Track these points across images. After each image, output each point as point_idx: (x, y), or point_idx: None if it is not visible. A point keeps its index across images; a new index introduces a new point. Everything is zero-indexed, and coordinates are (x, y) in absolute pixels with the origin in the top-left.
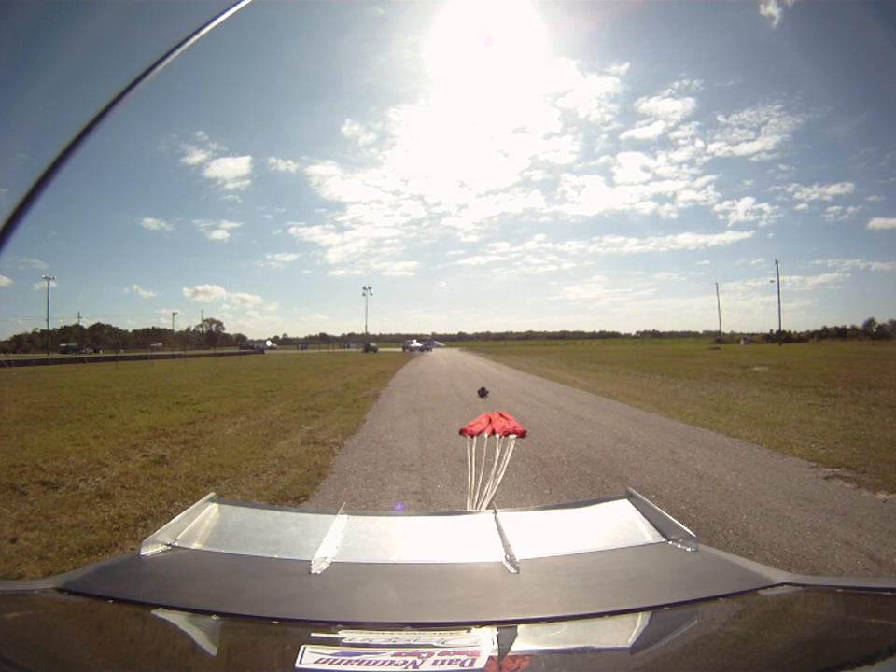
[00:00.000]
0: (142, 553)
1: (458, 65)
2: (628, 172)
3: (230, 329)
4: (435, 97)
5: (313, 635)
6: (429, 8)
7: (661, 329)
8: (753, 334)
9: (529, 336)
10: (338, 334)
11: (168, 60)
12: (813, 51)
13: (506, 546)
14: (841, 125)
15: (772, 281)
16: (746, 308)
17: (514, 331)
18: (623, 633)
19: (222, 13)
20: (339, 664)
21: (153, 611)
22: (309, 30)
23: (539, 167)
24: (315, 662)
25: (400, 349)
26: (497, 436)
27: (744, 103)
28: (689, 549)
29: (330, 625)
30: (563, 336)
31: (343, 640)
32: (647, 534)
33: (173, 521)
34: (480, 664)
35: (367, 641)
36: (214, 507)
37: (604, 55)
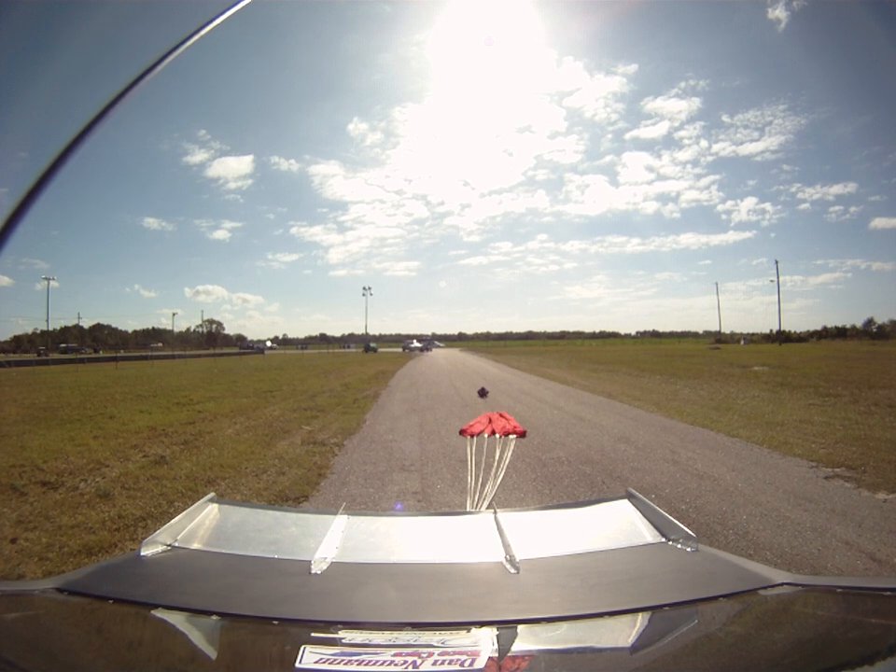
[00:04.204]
0: (142, 553)
1: (464, 64)
2: (632, 171)
3: (231, 330)
4: (440, 96)
5: (313, 635)
6: (436, 7)
7: (661, 329)
8: (753, 334)
9: (529, 336)
10: (338, 334)
11: (170, 58)
12: (818, 54)
13: (506, 546)
14: (845, 126)
15: (772, 281)
16: (746, 308)
17: (514, 331)
18: (623, 633)
19: (225, 11)
20: (339, 664)
21: (153, 611)
22: (313, 27)
23: (543, 167)
24: (315, 662)
25: (400, 349)
26: (497, 436)
27: (749, 103)
28: (689, 549)
29: (330, 625)
30: (563, 336)
31: (343, 640)
32: (647, 534)
33: (173, 521)
34: (480, 664)
35: (367, 641)
36: (214, 507)
37: (612, 54)
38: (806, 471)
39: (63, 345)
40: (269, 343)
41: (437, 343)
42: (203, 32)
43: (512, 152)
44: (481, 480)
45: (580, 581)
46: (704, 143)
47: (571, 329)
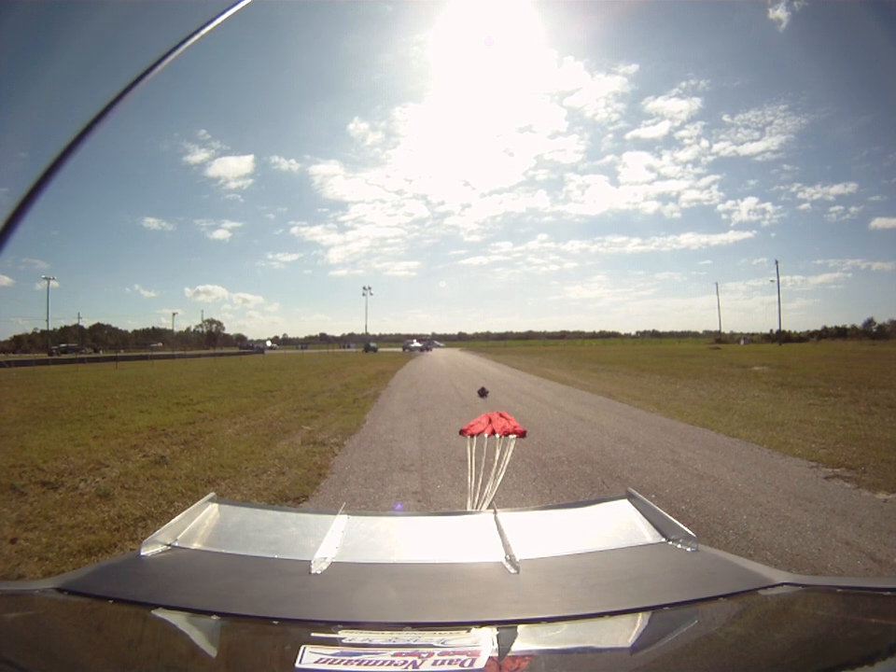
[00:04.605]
0: (142, 553)
1: (464, 64)
2: (633, 171)
3: (231, 330)
4: (440, 96)
5: (313, 635)
6: (436, 7)
7: (661, 329)
8: (753, 334)
9: (529, 336)
10: (338, 334)
11: (170, 58)
12: (818, 54)
13: (506, 546)
14: (845, 126)
15: (772, 281)
16: (746, 308)
17: (514, 331)
18: (623, 633)
19: (225, 11)
20: (339, 664)
21: (153, 611)
22: (313, 27)
23: (544, 166)
24: (315, 662)
25: (400, 349)
26: (497, 436)
27: (750, 103)
28: (689, 549)
29: (330, 625)
30: (563, 336)
31: (344, 640)
32: (647, 534)
33: (173, 521)
34: (480, 664)
35: (367, 641)
36: (214, 507)
37: (613, 54)
38: (806, 471)
39: (63, 345)
40: (269, 343)
41: (437, 342)
42: (203, 32)
43: (513, 152)
44: (481, 480)
45: (580, 580)
46: (704, 143)
47: (571, 329)
